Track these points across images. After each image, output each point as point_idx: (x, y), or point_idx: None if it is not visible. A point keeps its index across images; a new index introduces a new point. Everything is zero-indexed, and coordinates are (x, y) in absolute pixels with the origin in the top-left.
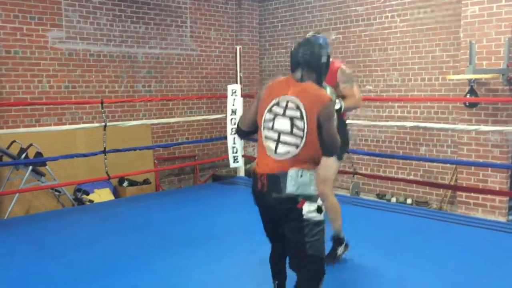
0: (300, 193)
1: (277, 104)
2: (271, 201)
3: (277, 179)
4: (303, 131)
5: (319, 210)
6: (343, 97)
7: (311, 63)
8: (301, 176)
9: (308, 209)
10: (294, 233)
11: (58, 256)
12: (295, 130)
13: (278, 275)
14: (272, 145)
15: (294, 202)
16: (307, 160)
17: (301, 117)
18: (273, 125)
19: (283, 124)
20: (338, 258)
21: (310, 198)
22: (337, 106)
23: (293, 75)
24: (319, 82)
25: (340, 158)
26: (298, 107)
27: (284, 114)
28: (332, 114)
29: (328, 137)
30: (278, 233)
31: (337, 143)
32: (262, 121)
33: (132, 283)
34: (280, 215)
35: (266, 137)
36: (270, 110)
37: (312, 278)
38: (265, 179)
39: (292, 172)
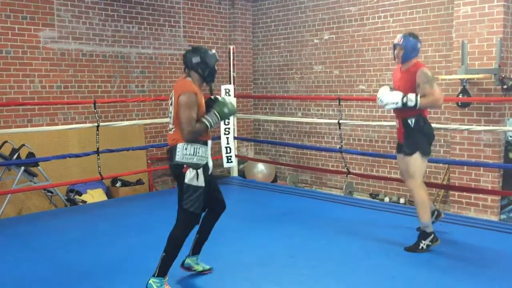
0: (185, 162)
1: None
2: (170, 167)
3: (170, 151)
4: (172, 112)
5: (197, 177)
6: (422, 96)
7: (187, 64)
8: (186, 149)
9: (189, 175)
10: (180, 192)
11: (51, 256)
12: (171, 113)
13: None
14: (169, 125)
15: (181, 168)
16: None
17: (171, 104)
18: (168, 111)
19: (169, 108)
20: (421, 250)
21: (192, 166)
22: (411, 104)
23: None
24: (204, 78)
25: (425, 153)
26: (172, 96)
27: (171, 104)
28: (186, 100)
29: (181, 117)
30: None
31: (185, 125)
32: None
33: (125, 284)
34: (175, 178)
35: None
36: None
37: (182, 225)
38: (167, 151)
39: (179, 145)
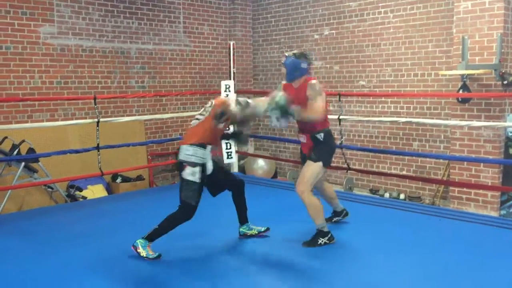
0: (184, 160)
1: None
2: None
3: (179, 150)
4: (205, 116)
5: (193, 174)
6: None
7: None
8: (187, 150)
9: (186, 171)
10: (180, 185)
11: (52, 252)
12: (203, 112)
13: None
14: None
15: (182, 165)
16: (198, 136)
17: (211, 106)
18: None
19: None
20: (317, 245)
21: (190, 164)
22: (291, 112)
23: None
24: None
25: (326, 165)
26: (211, 103)
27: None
28: (216, 112)
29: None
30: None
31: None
32: None
33: (126, 280)
34: (179, 173)
35: None
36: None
37: (180, 212)
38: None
39: (183, 147)
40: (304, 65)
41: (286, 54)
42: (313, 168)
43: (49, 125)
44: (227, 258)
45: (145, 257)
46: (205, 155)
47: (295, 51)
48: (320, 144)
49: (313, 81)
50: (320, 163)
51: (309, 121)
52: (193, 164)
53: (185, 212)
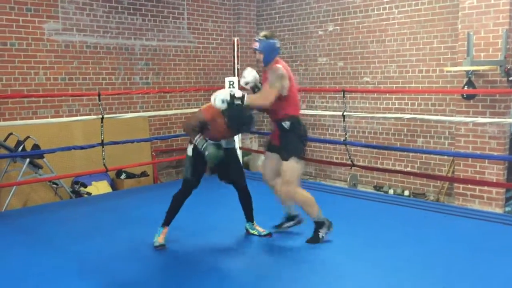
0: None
1: None
2: None
3: None
4: None
5: (188, 149)
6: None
7: None
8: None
9: (188, 148)
10: None
11: (56, 248)
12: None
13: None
14: None
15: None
16: None
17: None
18: None
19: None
20: (321, 240)
21: (190, 142)
22: (238, 96)
23: None
24: None
25: (299, 157)
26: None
27: None
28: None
29: None
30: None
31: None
32: None
33: (129, 276)
34: None
35: None
36: None
37: (181, 187)
38: None
39: None
40: (278, 44)
41: (257, 38)
42: (289, 167)
43: (53, 121)
44: (231, 253)
45: (153, 242)
46: (200, 138)
47: (265, 33)
48: (287, 134)
49: (277, 65)
50: (292, 160)
51: (256, 108)
52: (190, 142)
53: (183, 186)
